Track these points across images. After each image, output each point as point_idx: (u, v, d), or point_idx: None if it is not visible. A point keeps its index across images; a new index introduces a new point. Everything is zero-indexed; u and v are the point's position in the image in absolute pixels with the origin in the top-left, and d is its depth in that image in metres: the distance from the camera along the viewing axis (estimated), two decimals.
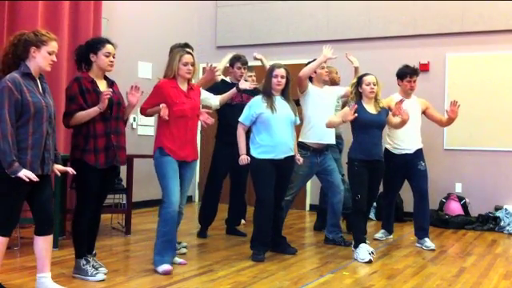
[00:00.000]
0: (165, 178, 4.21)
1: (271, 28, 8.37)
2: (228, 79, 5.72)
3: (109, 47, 3.96)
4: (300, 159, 4.99)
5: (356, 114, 4.69)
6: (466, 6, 7.25)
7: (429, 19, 7.45)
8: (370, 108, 4.91)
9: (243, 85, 5.03)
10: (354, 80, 5.05)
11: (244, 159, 4.78)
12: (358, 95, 4.98)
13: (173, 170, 4.21)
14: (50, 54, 3.46)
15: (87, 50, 3.96)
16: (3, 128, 3.26)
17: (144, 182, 7.02)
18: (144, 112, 4.35)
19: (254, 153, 4.77)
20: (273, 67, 4.83)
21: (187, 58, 4.26)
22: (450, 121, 5.55)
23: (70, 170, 3.71)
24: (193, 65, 4.28)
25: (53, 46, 3.47)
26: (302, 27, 8.18)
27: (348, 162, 4.99)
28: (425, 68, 7.27)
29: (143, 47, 7.68)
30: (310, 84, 5.40)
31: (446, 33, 7.38)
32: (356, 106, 4.75)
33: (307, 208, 8.09)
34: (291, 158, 4.86)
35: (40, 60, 3.43)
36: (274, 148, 4.71)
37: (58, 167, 3.64)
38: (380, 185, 5.18)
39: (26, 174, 3.29)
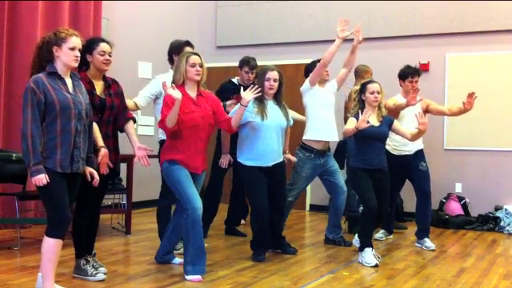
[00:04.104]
0: (180, 184, 4.04)
1: (271, 28, 8.37)
2: (235, 80, 5.69)
3: (102, 45, 3.95)
4: (288, 157, 4.95)
5: (370, 123, 4.62)
6: (465, 6, 7.26)
7: (429, 19, 7.45)
8: (373, 118, 4.76)
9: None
10: (358, 87, 4.94)
11: (226, 160, 4.69)
12: (360, 102, 4.85)
13: (185, 175, 4.06)
14: (71, 49, 3.43)
15: (83, 52, 3.93)
16: (24, 128, 3.29)
17: (144, 182, 7.01)
18: (164, 123, 3.95)
19: (240, 159, 4.65)
20: (265, 70, 4.64)
21: (194, 58, 4.10)
22: (465, 111, 5.48)
23: (96, 179, 3.62)
24: (201, 66, 4.10)
25: (73, 41, 3.45)
26: (302, 27, 8.18)
27: (350, 172, 4.94)
28: (425, 68, 7.26)
29: (143, 47, 7.68)
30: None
31: (445, 33, 7.38)
32: (369, 112, 4.64)
33: (307, 208, 8.09)
34: (281, 164, 4.74)
35: (63, 58, 3.43)
36: (262, 156, 4.58)
37: (90, 170, 3.59)
38: (388, 194, 4.97)
39: (38, 179, 3.27)
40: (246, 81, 5.52)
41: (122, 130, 4.12)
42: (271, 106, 4.62)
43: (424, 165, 5.55)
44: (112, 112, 3.98)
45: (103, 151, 3.80)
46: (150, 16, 7.87)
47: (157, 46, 7.84)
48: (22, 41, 5.92)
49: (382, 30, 7.69)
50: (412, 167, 5.54)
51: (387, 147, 5.50)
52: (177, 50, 4.96)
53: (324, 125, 5.28)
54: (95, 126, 3.81)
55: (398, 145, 5.54)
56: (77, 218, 3.95)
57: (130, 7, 7.54)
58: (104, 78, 4.04)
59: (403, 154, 5.54)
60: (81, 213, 3.96)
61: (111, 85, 4.06)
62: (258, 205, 4.62)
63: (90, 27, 6.59)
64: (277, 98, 4.66)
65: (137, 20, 7.66)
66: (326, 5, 8.00)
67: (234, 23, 8.63)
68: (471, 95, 5.35)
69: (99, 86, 3.98)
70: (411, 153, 5.54)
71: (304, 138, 5.33)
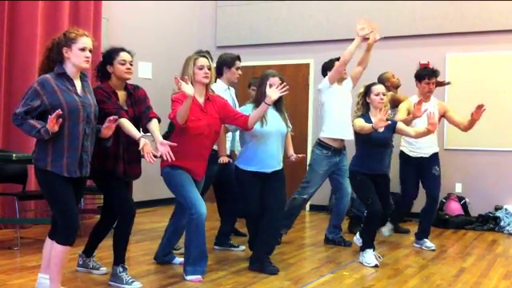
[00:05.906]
0: (183, 187, 4.01)
1: (271, 28, 8.37)
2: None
3: (123, 55, 3.89)
4: (296, 158, 4.81)
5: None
6: (465, 6, 7.26)
7: (429, 19, 7.45)
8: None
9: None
10: (362, 90, 4.83)
11: (224, 159, 4.64)
12: (365, 106, 4.77)
13: (188, 179, 4.04)
14: (82, 50, 3.32)
15: (104, 63, 3.88)
16: (16, 120, 3.23)
17: (144, 183, 7.00)
18: (174, 115, 3.89)
19: (237, 161, 4.57)
20: (267, 75, 4.42)
21: (202, 61, 4.04)
22: (473, 122, 5.26)
23: (113, 117, 3.48)
24: (209, 68, 4.05)
25: (83, 41, 3.33)
26: (302, 27, 8.18)
27: (350, 176, 4.92)
28: None
29: (143, 47, 7.66)
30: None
31: (445, 33, 7.38)
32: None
33: (307, 208, 8.08)
34: (280, 172, 4.54)
35: (74, 59, 3.32)
36: (260, 161, 4.42)
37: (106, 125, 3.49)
38: (389, 199, 4.96)
39: (51, 121, 3.14)
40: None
41: (146, 131, 4.00)
42: (271, 112, 4.44)
43: (437, 169, 5.51)
44: (134, 121, 3.88)
45: (143, 141, 3.67)
46: (149, 16, 7.87)
47: (157, 46, 7.87)
48: (22, 41, 5.92)
49: (381, 30, 7.65)
50: (425, 170, 5.51)
51: (403, 149, 5.48)
52: (228, 64, 4.98)
53: (340, 123, 5.31)
54: (126, 120, 3.74)
55: (414, 148, 5.51)
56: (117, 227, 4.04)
57: (129, 7, 7.53)
58: (126, 87, 3.97)
59: (419, 156, 5.50)
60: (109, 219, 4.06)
61: (133, 93, 3.97)
62: (248, 209, 4.55)
63: (90, 27, 6.57)
64: (277, 104, 4.45)
65: (137, 20, 7.65)
66: (326, 5, 8.00)
67: (233, 23, 8.63)
68: (480, 107, 5.22)
69: (121, 96, 3.91)
70: (427, 155, 5.50)
71: (321, 135, 5.36)
